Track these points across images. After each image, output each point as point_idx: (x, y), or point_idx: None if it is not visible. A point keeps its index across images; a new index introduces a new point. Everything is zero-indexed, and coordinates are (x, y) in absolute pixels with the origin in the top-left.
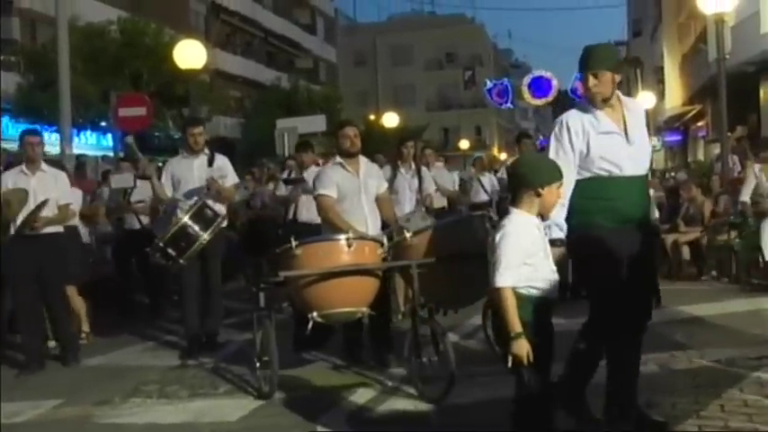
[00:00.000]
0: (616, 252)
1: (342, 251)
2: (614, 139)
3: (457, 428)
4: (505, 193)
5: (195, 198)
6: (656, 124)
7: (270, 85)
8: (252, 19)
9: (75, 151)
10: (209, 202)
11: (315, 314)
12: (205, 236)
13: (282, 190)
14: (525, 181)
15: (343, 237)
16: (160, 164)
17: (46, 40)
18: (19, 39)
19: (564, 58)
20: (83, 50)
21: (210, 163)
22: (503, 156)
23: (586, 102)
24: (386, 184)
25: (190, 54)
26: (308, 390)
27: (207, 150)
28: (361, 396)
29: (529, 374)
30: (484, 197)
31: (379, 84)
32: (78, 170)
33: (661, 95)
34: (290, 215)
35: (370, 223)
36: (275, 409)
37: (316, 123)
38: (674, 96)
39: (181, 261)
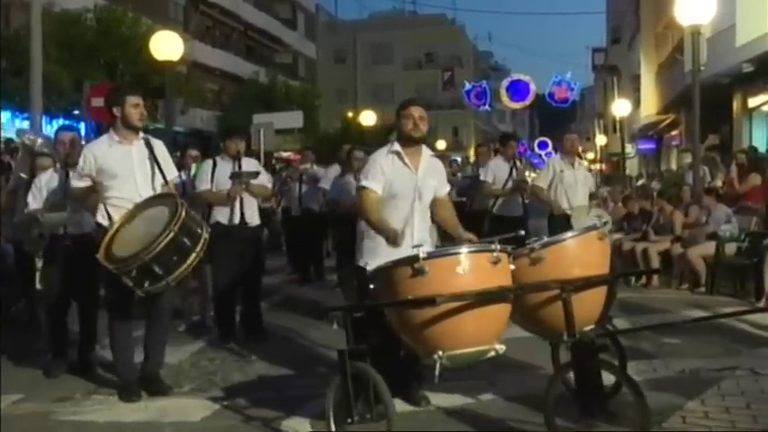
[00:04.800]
0: None
1: (487, 268)
2: None
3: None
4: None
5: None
6: (630, 132)
7: (248, 78)
8: (232, 12)
9: None
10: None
11: (443, 354)
12: (197, 249)
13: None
14: None
15: (490, 247)
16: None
17: (20, 25)
18: None
19: (543, 63)
20: (57, 37)
21: (150, 148)
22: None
23: None
24: (448, 186)
25: (167, 45)
26: (272, 391)
27: (141, 133)
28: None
29: None
30: None
31: (357, 81)
32: None
33: (637, 103)
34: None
35: (417, 233)
36: (239, 411)
37: (292, 119)
38: (650, 105)
39: (170, 282)
